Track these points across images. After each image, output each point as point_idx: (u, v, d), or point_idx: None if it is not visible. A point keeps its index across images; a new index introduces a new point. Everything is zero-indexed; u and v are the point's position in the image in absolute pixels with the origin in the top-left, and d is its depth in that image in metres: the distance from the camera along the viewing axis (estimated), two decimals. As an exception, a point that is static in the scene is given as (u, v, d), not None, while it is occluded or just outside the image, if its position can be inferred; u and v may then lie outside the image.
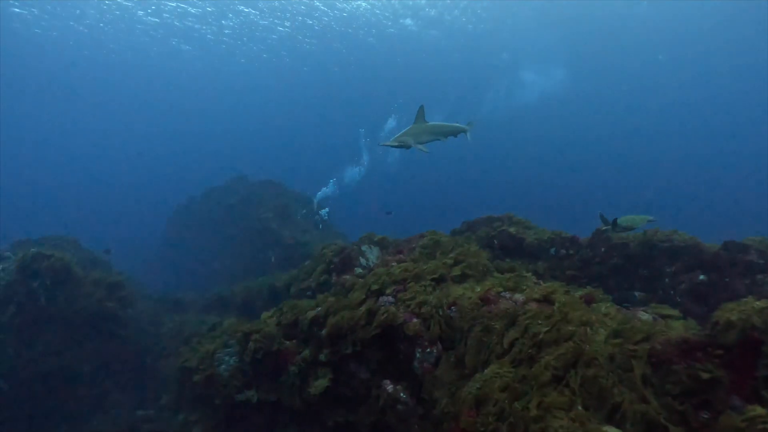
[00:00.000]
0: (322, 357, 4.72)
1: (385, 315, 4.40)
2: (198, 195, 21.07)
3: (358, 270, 7.12)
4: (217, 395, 5.86)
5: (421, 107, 8.69)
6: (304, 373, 4.86)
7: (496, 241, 8.28)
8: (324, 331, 4.71)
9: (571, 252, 7.94)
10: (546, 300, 4.44)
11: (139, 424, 8.95)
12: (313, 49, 32.20)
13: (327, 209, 17.01)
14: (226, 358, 5.88)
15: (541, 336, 3.67)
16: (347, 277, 5.60)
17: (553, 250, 7.99)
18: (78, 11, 24.74)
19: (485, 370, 3.70)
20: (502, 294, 4.72)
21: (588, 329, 3.67)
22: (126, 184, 51.26)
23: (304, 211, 16.43)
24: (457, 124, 9.51)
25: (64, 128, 49.98)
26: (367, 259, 7.58)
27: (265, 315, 5.65)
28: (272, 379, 5.28)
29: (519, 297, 4.66)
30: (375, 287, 4.88)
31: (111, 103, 43.90)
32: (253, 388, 5.52)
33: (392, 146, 8.35)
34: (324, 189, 16.93)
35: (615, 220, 7.31)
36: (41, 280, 9.12)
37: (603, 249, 7.69)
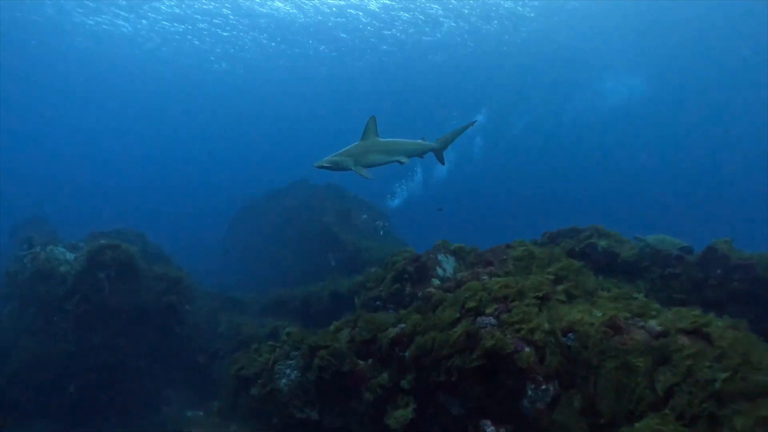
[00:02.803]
0: (404, 383, 3.93)
1: (493, 341, 3.54)
2: (260, 197, 21.14)
3: (435, 281, 6.30)
4: (275, 413, 5.23)
5: (372, 119, 7.22)
6: (380, 401, 4.08)
7: (578, 252, 7.19)
8: (408, 354, 3.92)
9: (678, 271, 6.72)
10: (696, 332, 3.42)
11: (188, 427, 8.61)
12: (394, 49, 31.45)
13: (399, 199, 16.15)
14: (288, 371, 5.23)
15: (717, 385, 2.70)
16: (432, 290, 4.79)
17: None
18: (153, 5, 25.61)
19: (636, 424, 2.78)
20: (631, 321, 3.76)
21: (785, 382, 2.67)
22: (193, 183, 53.27)
23: (366, 216, 15.87)
24: (422, 142, 7.97)
25: (137, 130, 52.76)
26: (444, 270, 6.75)
27: (334, 326, 4.94)
28: (340, 403, 4.55)
29: (655, 326, 3.66)
30: (471, 305, 4.02)
31: (178, 105, 45.65)
32: (315, 409, 4.82)
33: (326, 168, 6.90)
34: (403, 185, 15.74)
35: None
36: (107, 271, 9.02)
37: (719, 270, 6.45)
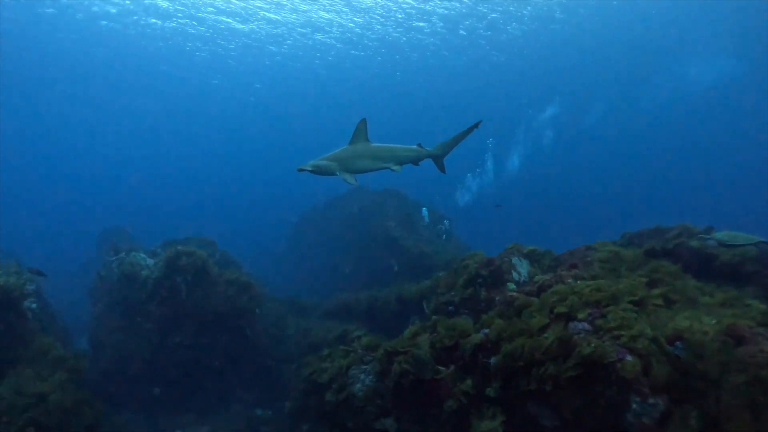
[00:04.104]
0: (489, 392, 3.71)
1: (591, 348, 3.26)
2: (320, 203, 21.50)
3: (511, 285, 6.02)
4: (350, 417, 5.16)
5: (363, 122, 6.83)
6: (463, 410, 3.89)
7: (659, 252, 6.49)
8: (495, 360, 3.70)
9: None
10: None
11: (258, 425, 8.83)
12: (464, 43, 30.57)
13: (447, 221, 16.03)
14: (362, 376, 5.16)
15: None
16: (514, 294, 4.54)
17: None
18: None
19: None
20: (755, 330, 3.33)
21: None
22: (255, 191, 55.12)
23: (428, 220, 15.69)
24: (417, 148, 7.41)
25: (201, 140, 55.34)
26: (519, 274, 6.44)
27: (410, 331, 4.81)
28: (418, 410, 4.39)
29: (785, 338, 3.22)
30: (561, 309, 3.75)
31: (243, 115, 47.32)
32: (392, 416, 4.70)
33: (309, 172, 6.59)
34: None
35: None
36: (183, 276, 9.41)
37: None
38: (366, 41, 29.60)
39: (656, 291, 4.40)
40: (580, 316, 3.65)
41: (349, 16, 26.42)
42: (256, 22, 27.03)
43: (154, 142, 53.89)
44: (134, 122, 46.86)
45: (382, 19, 26.78)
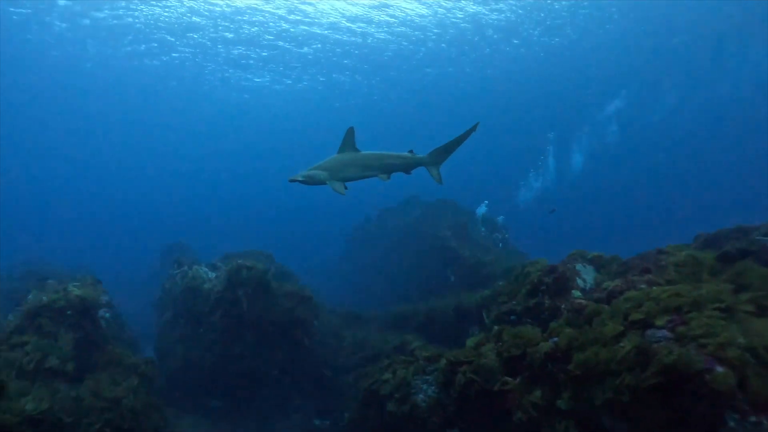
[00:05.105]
0: (560, 404, 3.50)
1: (673, 357, 2.99)
2: (373, 215, 21.60)
3: (576, 293, 5.72)
4: (412, 428, 5.05)
5: (350, 130, 6.74)
6: (533, 422, 3.69)
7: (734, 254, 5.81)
8: (566, 370, 3.49)
9: None
10: None
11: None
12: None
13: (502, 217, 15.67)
14: (424, 386, 5.06)
15: None
16: (583, 301, 4.30)
17: None
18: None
19: None
20: None
21: None
22: (309, 204, 56.08)
23: (483, 229, 15.37)
24: (407, 155, 7.11)
25: (256, 156, 57.16)
26: (584, 280, 6.12)
27: (472, 341, 4.65)
28: (483, 421, 4.23)
29: None
30: (637, 316, 3.49)
31: (303, 129, 48.35)
32: (456, 427, 4.55)
33: (300, 182, 6.57)
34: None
35: None
36: (244, 289, 9.69)
37: None
38: (419, 56, 29.62)
39: (745, 296, 4.00)
40: (659, 323, 3.37)
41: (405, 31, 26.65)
42: (313, 44, 27.81)
43: (210, 162, 56.31)
44: (189, 145, 49.42)
45: (435, 37, 26.83)
